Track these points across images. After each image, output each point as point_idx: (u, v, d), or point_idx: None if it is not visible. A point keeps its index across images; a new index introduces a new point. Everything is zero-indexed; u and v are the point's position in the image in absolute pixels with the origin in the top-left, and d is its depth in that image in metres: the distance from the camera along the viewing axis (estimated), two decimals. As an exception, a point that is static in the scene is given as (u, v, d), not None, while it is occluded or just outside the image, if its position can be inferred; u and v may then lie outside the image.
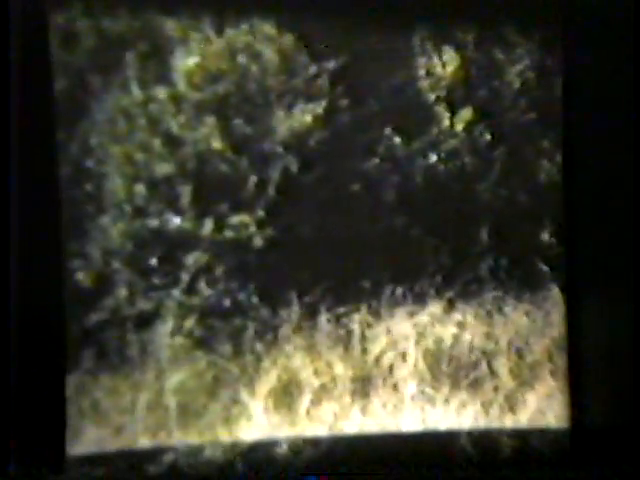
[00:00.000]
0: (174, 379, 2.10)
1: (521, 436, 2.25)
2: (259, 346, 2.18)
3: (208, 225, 2.15)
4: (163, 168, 2.11)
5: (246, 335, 2.17)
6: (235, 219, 2.17)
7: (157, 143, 2.09)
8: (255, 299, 2.17)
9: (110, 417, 2.05)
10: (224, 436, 2.13)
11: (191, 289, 2.13)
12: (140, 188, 2.09)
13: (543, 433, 2.26)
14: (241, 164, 2.18)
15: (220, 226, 2.16)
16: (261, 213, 2.19)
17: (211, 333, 2.15)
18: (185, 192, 2.14)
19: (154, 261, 2.11)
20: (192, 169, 2.14)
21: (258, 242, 2.19)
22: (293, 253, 2.21)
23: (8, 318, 1.91)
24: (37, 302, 1.94)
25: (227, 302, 2.16)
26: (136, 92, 2.06)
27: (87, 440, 2.01)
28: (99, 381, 2.04)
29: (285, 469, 2.07)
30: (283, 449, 2.08)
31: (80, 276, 2.04)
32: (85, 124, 2.03)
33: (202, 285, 2.15)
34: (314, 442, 2.09)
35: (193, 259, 2.14)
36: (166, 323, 2.11)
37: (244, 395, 2.15)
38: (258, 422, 2.16)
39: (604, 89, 2.19)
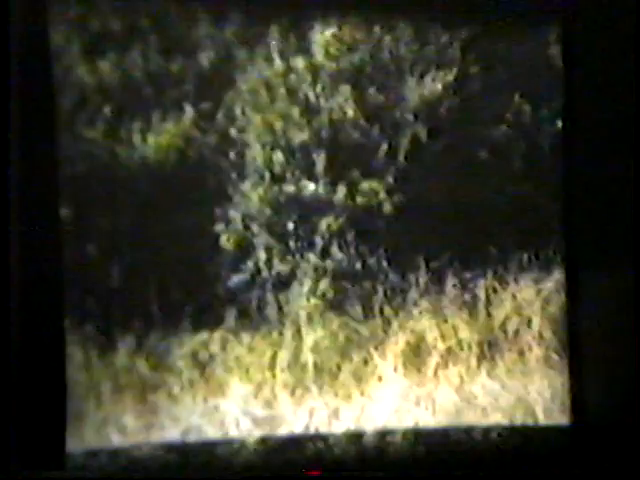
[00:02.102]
0: (309, 339, 2.68)
1: (521, 433, 2.69)
2: (388, 309, 2.74)
3: (341, 191, 2.71)
4: (300, 136, 2.67)
5: (376, 298, 2.74)
6: (366, 185, 2.73)
7: (295, 112, 2.65)
8: (384, 263, 2.73)
9: (251, 373, 2.64)
10: (357, 395, 2.71)
11: (325, 253, 2.70)
12: (278, 155, 2.66)
13: (543, 430, 2.69)
14: (373, 132, 2.73)
15: (352, 192, 2.72)
16: (391, 180, 2.74)
17: (343, 295, 2.71)
18: (320, 159, 2.70)
19: (291, 226, 2.68)
20: (327, 137, 2.69)
21: (388, 208, 2.74)
22: (421, 219, 2.76)
23: (8, 317, 2.27)
24: (37, 299, 2.32)
25: (358, 266, 2.72)
26: (277, 63, 2.62)
27: (232, 394, 2.61)
28: (241, 338, 2.63)
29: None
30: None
31: (224, 239, 2.62)
32: (230, 95, 2.60)
33: (335, 249, 2.71)
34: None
35: (327, 224, 2.71)
36: (302, 285, 2.69)
37: (375, 356, 2.72)
38: (388, 382, 2.73)
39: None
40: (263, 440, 2.54)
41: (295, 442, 2.58)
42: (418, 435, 2.62)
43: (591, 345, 2.70)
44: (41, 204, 2.32)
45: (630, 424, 2.57)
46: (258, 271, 2.64)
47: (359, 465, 2.58)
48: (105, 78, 2.47)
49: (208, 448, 2.51)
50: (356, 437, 2.62)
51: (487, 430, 2.67)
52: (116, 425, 2.45)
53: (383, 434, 2.62)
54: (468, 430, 2.66)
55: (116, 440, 2.43)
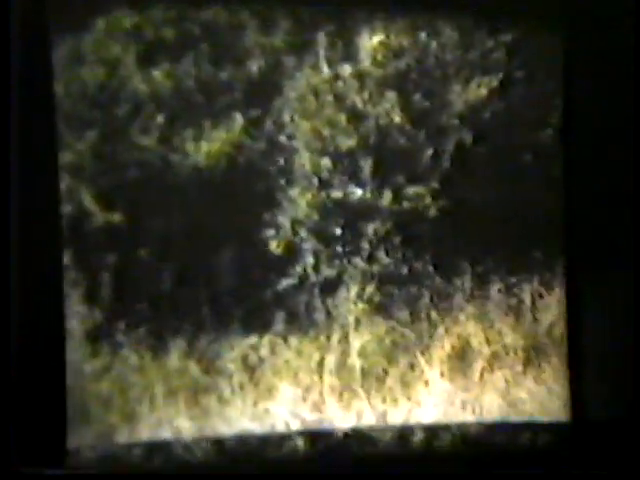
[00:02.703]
0: (357, 343, 2.84)
1: (522, 430, 2.82)
2: (434, 314, 2.89)
3: (387, 196, 2.87)
4: (347, 142, 2.83)
5: (422, 302, 2.89)
6: (412, 190, 2.88)
7: (342, 118, 2.82)
8: (430, 268, 2.88)
9: (299, 377, 2.80)
10: (403, 400, 2.86)
11: (371, 257, 2.86)
12: (326, 161, 2.82)
13: (544, 427, 2.82)
14: (418, 137, 2.88)
15: (398, 197, 2.88)
16: (436, 184, 2.89)
17: (390, 300, 2.87)
18: (366, 165, 2.85)
19: (338, 230, 2.84)
20: (373, 142, 2.85)
21: (433, 212, 2.89)
22: (466, 224, 2.91)
23: (8, 317, 2.36)
24: (36, 297, 2.42)
25: (404, 270, 2.87)
26: (325, 70, 2.79)
27: (280, 397, 2.77)
28: (289, 342, 2.79)
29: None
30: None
31: (273, 244, 2.79)
32: (279, 102, 2.77)
33: (381, 254, 2.87)
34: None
35: (373, 229, 2.86)
36: (349, 289, 2.84)
37: (421, 360, 2.87)
38: (435, 387, 2.88)
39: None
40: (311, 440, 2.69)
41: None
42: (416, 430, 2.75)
43: (591, 342, 2.82)
44: (41, 205, 2.44)
45: (630, 421, 2.67)
46: (306, 276, 2.80)
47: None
48: (158, 87, 2.64)
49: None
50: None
51: (487, 426, 2.80)
52: (170, 427, 2.61)
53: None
54: (467, 426, 2.79)
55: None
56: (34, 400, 2.37)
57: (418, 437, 2.72)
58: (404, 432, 2.75)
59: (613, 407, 2.73)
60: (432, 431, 2.76)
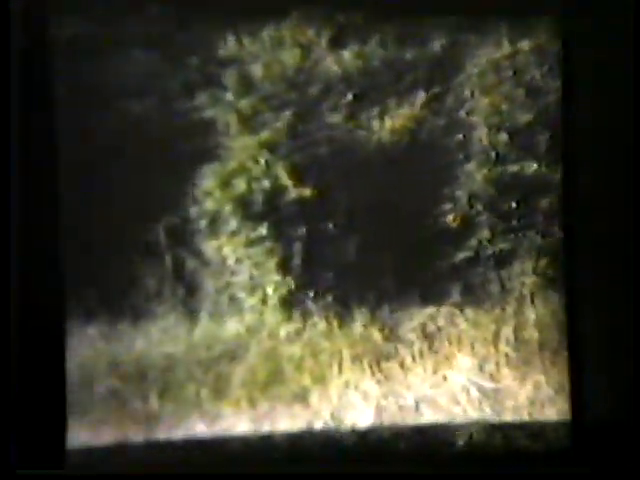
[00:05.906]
0: (531, 316, 3.55)
1: (521, 430, 3.36)
2: (608, 288, 3.55)
3: (562, 170, 3.55)
4: (524, 117, 3.53)
5: (596, 277, 3.55)
6: (588, 165, 3.55)
7: (521, 93, 3.52)
8: (605, 242, 3.54)
9: (476, 347, 3.53)
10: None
11: (545, 231, 3.55)
12: (503, 136, 3.52)
13: (544, 427, 3.36)
14: (596, 112, 3.54)
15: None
16: (612, 159, 3.54)
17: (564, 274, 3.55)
18: (542, 139, 3.55)
19: (513, 204, 3.55)
20: (550, 117, 3.54)
21: (608, 187, 3.55)
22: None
23: (8, 316, 2.62)
24: (36, 299, 2.72)
25: (578, 245, 3.54)
26: (505, 46, 3.49)
27: (458, 366, 3.51)
28: (465, 313, 3.53)
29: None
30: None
31: (449, 218, 3.52)
32: (460, 78, 3.48)
33: (555, 228, 3.57)
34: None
35: (547, 203, 3.56)
36: (523, 262, 3.55)
37: (595, 333, 3.55)
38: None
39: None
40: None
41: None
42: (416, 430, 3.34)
43: (591, 340, 3.36)
44: (41, 195, 2.87)
45: (630, 420, 3.17)
46: (481, 248, 3.52)
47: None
48: (348, 67, 3.39)
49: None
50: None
51: (491, 426, 3.39)
52: (357, 390, 3.39)
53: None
54: (470, 426, 3.39)
55: (359, 404, 3.37)
56: (34, 401, 2.76)
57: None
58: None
59: (614, 406, 3.26)
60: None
